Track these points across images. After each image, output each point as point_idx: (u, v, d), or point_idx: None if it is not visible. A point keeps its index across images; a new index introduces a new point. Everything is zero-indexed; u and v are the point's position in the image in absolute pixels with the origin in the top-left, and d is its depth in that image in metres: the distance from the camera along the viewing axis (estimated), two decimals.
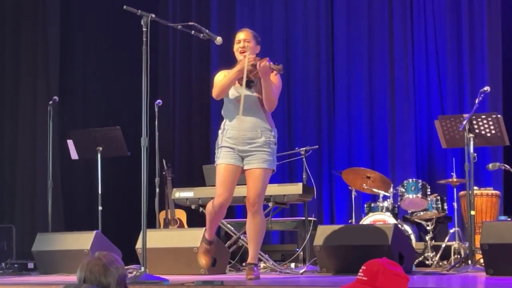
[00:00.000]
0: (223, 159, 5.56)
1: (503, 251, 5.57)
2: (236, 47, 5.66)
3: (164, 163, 8.73)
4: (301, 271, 6.46)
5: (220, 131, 5.65)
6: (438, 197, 8.06)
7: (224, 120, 5.66)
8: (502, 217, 7.92)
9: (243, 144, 5.53)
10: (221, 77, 5.64)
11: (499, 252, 5.58)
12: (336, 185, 9.69)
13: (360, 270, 2.77)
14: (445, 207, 8.12)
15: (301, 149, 8.20)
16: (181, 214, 9.00)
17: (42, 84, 9.48)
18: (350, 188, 8.57)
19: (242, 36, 5.66)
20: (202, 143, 10.37)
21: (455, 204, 7.99)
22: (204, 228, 6.75)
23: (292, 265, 7.50)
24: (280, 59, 9.76)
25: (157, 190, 7.80)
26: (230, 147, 5.56)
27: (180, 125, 10.66)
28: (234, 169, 5.55)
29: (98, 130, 8.19)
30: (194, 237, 6.66)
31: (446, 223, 8.46)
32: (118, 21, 9.88)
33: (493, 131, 6.79)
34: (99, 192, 7.97)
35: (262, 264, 6.94)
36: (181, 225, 8.94)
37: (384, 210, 8.11)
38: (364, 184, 8.30)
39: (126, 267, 3.09)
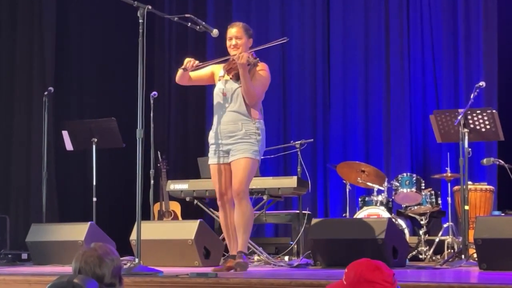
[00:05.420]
0: (210, 159, 5.66)
1: (497, 246, 5.58)
2: (228, 44, 5.67)
3: (159, 155, 8.73)
4: (295, 264, 6.46)
5: None
6: (432, 192, 8.07)
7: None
8: (496, 212, 7.93)
9: (225, 137, 5.55)
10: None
11: (493, 247, 5.59)
12: (331, 178, 9.69)
13: (344, 272, 2.70)
14: (439, 201, 8.13)
15: (296, 142, 8.21)
16: (175, 206, 9.00)
17: (37, 75, 9.45)
18: (344, 181, 8.57)
19: (233, 32, 5.64)
20: (197, 135, 10.35)
21: (449, 199, 8.01)
22: (198, 221, 6.77)
23: (286, 258, 7.50)
24: (275, 51, 9.77)
25: (152, 182, 7.80)
26: (214, 143, 5.61)
27: (175, 117, 10.65)
28: (218, 167, 5.59)
29: (93, 122, 8.17)
30: (188, 229, 6.67)
31: (440, 218, 8.47)
32: (114, 12, 9.85)
33: (487, 126, 6.79)
34: (94, 183, 7.97)
35: (256, 257, 6.95)
36: (175, 217, 8.94)
37: (378, 204, 8.12)
38: (359, 178, 8.31)
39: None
